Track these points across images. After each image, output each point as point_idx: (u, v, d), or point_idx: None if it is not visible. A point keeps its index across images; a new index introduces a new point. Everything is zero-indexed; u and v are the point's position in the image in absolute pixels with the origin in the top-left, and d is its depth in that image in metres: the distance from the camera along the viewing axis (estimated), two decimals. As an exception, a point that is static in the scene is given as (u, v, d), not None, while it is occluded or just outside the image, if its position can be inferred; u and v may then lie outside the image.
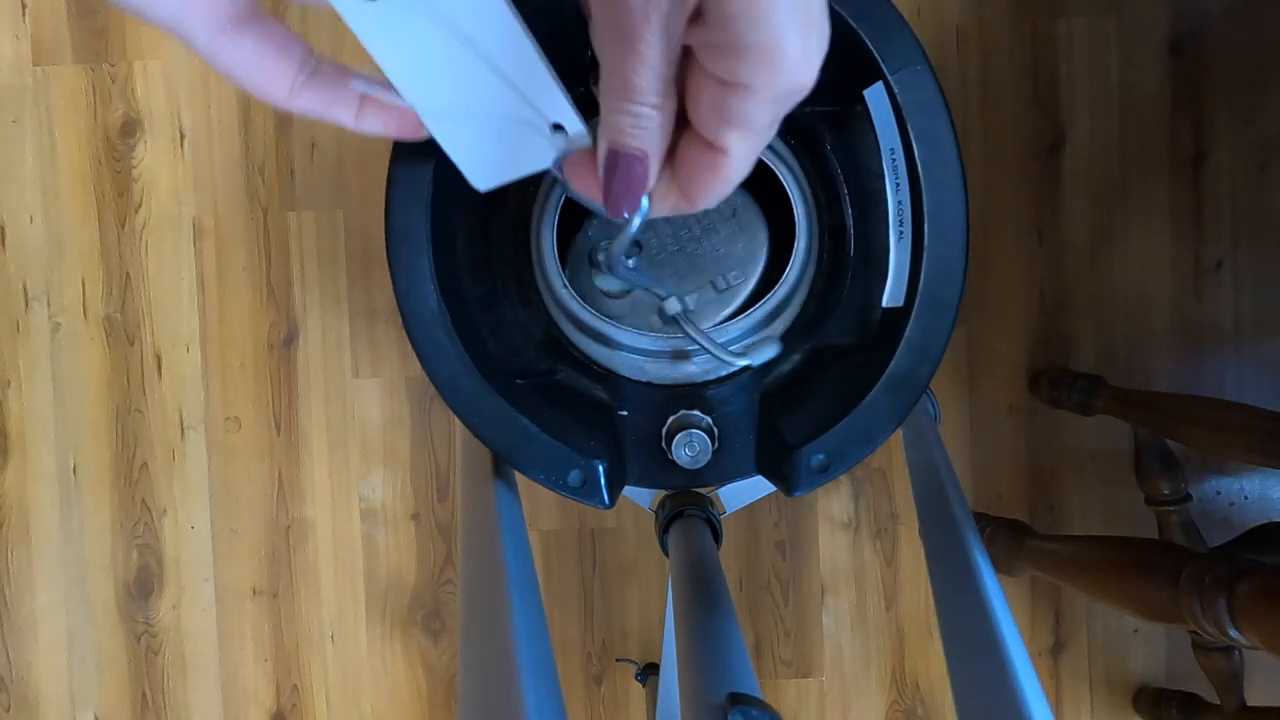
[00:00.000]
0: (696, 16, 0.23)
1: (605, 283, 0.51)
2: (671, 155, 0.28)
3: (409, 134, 0.32)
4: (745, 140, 0.26)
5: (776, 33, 0.23)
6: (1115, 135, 1.09)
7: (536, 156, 0.31)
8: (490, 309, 0.52)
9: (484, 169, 0.32)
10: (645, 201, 0.29)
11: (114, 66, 1.12)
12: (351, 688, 1.13)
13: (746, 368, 0.51)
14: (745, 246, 0.50)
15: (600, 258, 0.50)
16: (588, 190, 0.30)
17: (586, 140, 0.30)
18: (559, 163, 0.31)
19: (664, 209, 0.29)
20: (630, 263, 0.48)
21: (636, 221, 0.30)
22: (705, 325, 0.50)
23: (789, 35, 0.23)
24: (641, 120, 0.26)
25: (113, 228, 1.12)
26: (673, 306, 0.46)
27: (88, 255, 1.13)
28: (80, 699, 1.14)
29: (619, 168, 0.27)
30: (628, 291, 0.51)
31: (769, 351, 0.47)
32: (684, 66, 0.26)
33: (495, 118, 0.30)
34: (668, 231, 0.50)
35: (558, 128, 0.30)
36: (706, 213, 0.50)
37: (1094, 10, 1.09)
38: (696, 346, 0.49)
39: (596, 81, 0.27)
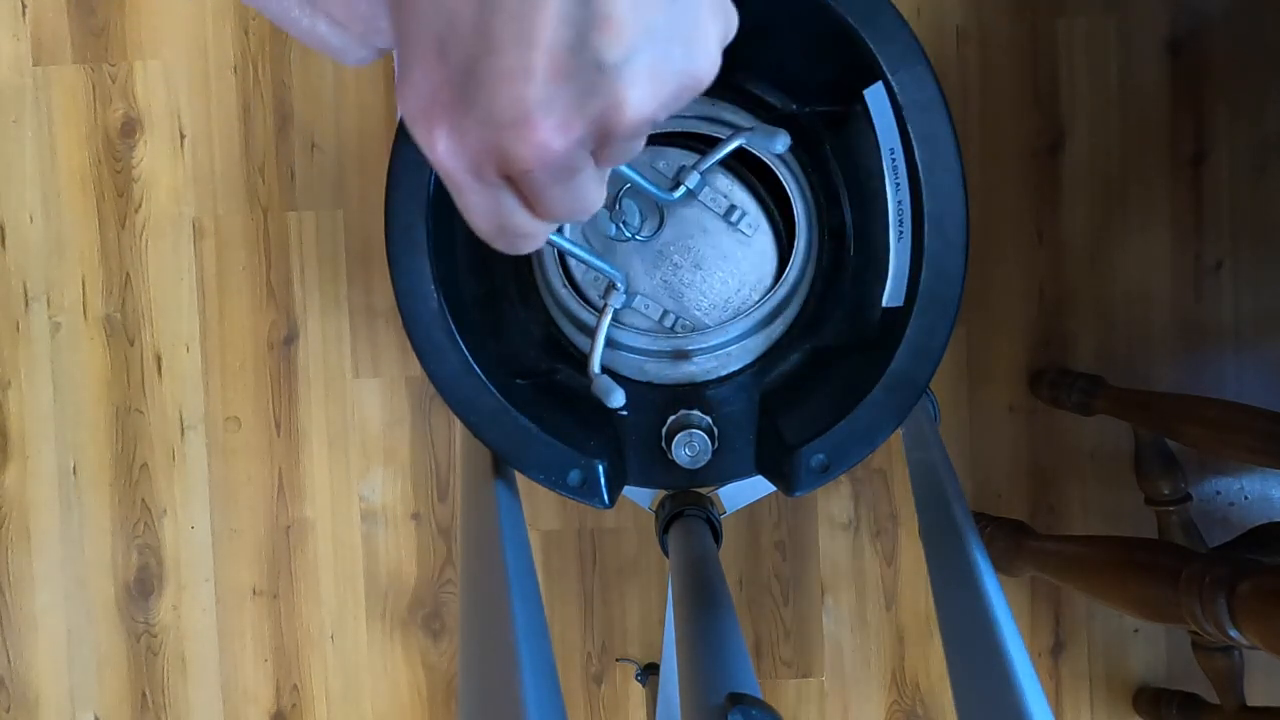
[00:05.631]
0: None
1: (608, 228, 0.50)
2: None
3: None
4: None
5: None
6: (1115, 135, 1.09)
7: None
8: (490, 309, 0.52)
9: None
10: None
11: (114, 66, 1.12)
12: (351, 688, 1.13)
13: (746, 368, 0.51)
14: (720, 315, 0.49)
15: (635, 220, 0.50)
16: None
17: None
18: None
19: None
20: (643, 233, 0.48)
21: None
22: (634, 326, 0.49)
23: None
24: None
25: (113, 228, 1.12)
26: (617, 300, 0.46)
27: (88, 255, 1.13)
28: (80, 699, 1.14)
29: None
30: (621, 241, 0.50)
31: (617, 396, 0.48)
32: None
33: None
34: (677, 239, 0.50)
35: None
36: (716, 249, 0.50)
37: (1094, 10, 1.09)
38: (697, 347, 0.49)
39: None
